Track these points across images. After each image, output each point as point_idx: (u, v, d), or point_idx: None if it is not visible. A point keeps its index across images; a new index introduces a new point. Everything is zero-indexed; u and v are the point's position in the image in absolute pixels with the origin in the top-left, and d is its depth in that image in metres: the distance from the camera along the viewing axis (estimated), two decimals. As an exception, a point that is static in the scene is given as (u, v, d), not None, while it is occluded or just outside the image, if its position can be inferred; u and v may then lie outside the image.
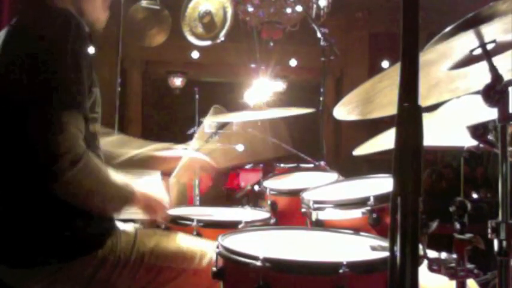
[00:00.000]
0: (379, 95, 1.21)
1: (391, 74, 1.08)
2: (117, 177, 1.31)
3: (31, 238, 1.23)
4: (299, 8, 5.16)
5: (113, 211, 1.33)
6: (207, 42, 3.29)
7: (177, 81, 9.06)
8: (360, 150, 1.68)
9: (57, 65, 1.18)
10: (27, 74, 1.17)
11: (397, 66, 0.72)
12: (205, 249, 1.42)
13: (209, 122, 2.07)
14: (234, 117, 2.37)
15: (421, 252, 0.98)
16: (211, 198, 4.62)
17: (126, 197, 1.32)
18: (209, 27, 3.22)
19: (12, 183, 1.26)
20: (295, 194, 1.84)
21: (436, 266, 1.04)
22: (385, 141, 1.55)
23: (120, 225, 1.40)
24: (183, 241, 1.45)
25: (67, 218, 1.25)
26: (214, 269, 1.17)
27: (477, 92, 1.04)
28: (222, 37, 3.06)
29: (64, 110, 1.15)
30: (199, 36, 3.29)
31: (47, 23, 1.21)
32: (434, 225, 0.98)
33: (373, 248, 1.13)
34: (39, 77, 1.16)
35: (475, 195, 5.04)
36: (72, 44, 1.19)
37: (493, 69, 1.00)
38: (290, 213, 1.91)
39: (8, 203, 1.26)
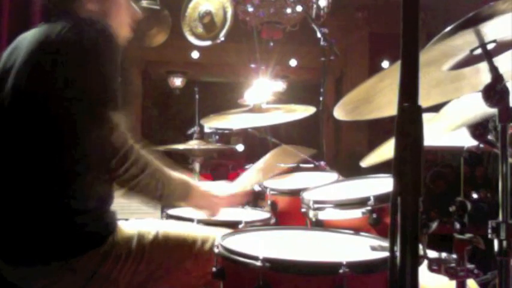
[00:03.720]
0: (379, 95, 1.21)
1: (391, 74, 1.08)
2: (173, 172, 1.37)
3: (32, 236, 1.23)
4: (299, 8, 5.15)
5: (167, 203, 1.45)
6: (207, 42, 3.28)
7: (177, 81, 9.05)
8: (368, 161, 1.68)
9: (105, 71, 1.24)
10: (74, 81, 1.22)
11: (397, 66, 0.72)
12: (207, 234, 1.42)
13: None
14: (233, 124, 2.37)
15: (421, 252, 0.98)
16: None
17: (183, 195, 1.41)
18: (209, 27, 3.21)
19: (14, 182, 1.26)
20: (295, 194, 1.84)
21: (436, 266, 1.04)
22: (391, 148, 1.54)
23: (120, 221, 1.40)
24: (183, 228, 1.46)
25: (68, 215, 1.25)
26: (214, 269, 1.17)
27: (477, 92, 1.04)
28: (222, 37, 3.05)
29: (114, 111, 1.23)
30: (199, 36, 3.28)
31: (89, 30, 1.25)
32: (434, 225, 0.98)
33: (373, 248, 1.13)
34: (89, 82, 1.23)
35: (475, 195, 5.03)
36: (113, 51, 1.26)
37: (494, 69, 1.00)
38: (290, 213, 1.91)
39: (10, 202, 1.27)
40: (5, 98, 1.28)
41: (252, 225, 1.63)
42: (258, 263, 1.05)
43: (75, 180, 1.27)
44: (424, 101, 0.70)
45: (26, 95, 1.26)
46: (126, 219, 1.48)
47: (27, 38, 1.34)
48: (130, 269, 1.31)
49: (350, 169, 2.38)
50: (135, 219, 1.50)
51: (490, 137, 1.12)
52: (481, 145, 1.16)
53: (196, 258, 1.38)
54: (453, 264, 1.05)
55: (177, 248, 1.38)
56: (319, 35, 2.72)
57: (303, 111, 2.22)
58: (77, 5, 1.36)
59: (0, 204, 1.27)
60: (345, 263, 1.02)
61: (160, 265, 1.35)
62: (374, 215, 1.42)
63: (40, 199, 1.24)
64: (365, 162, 1.70)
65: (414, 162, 0.69)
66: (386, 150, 1.60)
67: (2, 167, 1.29)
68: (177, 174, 1.39)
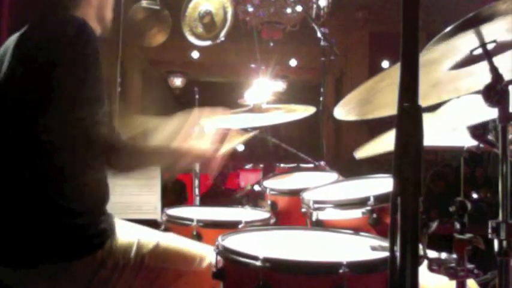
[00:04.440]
0: (379, 95, 1.21)
1: (391, 74, 1.08)
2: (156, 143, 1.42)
3: (30, 238, 1.23)
4: (299, 8, 5.15)
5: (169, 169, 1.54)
6: (207, 42, 3.28)
7: (177, 81, 9.06)
8: (362, 153, 1.68)
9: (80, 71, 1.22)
10: (47, 79, 1.21)
11: (397, 66, 0.72)
12: (205, 253, 1.42)
13: None
14: (233, 124, 2.37)
15: (421, 252, 0.98)
16: (211, 198, 4.63)
17: (172, 156, 1.42)
18: (209, 27, 3.21)
19: (13, 184, 1.26)
20: (295, 194, 1.84)
21: (436, 266, 1.04)
22: (387, 142, 1.54)
23: (120, 228, 1.40)
24: (183, 244, 1.45)
25: (66, 218, 1.25)
26: (214, 269, 1.17)
27: (477, 92, 1.04)
28: (222, 37, 3.05)
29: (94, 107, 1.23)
30: (199, 36, 3.28)
31: (65, 29, 1.25)
32: (434, 225, 0.98)
33: (373, 248, 1.13)
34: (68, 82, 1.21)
35: (475, 195, 5.03)
36: (91, 49, 1.24)
37: (494, 69, 1.00)
38: (290, 213, 1.91)
39: (8, 203, 1.26)
40: None
41: (252, 225, 1.63)
42: (258, 263, 1.05)
43: (70, 180, 1.27)
44: (423, 101, 0.70)
45: (12, 93, 1.27)
46: (126, 220, 1.48)
47: (13, 39, 1.34)
48: (128, 277, 1.31)
49: (350, 169, 2.38)
50: (135, 224, 1.49)
51: (490, 137, 1.12)
52: (481, 145, 1.16)
53: (194, 275, 1.38)
54: (453, 264, 1.05)
55: (175, 262, 1.38)
56: (319, 35, 2.72)
57: (303, 111, 2.22)
58: (77, 4, 1.37)
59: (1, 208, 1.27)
60: (345, 263, 1.02)
61: (158, 277, 1.35)
62: (374, 215, 1.42)
63: (34, 200, 1.24)
64: (359, 153, 1.70)
65: (414, 162, 0.69)
66: (380, 145, 1.59)
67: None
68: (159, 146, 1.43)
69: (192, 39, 3.34)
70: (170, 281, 1.37)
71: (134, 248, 1.34)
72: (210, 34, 3.27)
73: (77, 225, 1.26)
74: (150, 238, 1.40)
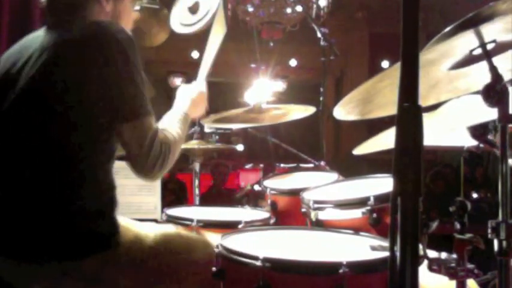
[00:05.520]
0: (379, 94, 1.21)
1: (391, 74, 1.08)
2: (174, 121, 1.46)
3: (39, 233, 1.23)
4: (299, 8, 5.16)
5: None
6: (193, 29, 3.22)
7: (177, 81, 9.04)
8: (360, 150, 1.68)
9: (134, 77, 1.30)
10: (104, 87, 1.25)
11: (397, 66, 0.72)
12: (206, 240, 1.42)
13: None
14: (233, 124, 2.38)
15: (421, 252, 0.98)
16: (211, 198, 4.63)
17: (186, 124, 1.50)
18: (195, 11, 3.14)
19: (28, 181, 1.27)
20: (295, 194, 1.84)
21: (436, 266, 1.04)
22: (385, 140, 1.55)
23: (121, 223, 1.40)
24: (182, 234, 1.46)
25: (76, 217, 1.26)
26: (214, 269, 1.17)
27: (477, 92, 1.04)
28: (203, 25, 3.00)
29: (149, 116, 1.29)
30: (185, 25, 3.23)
31: (114, 37, 1.29)
32: (434, 225, 0.98)
33: (373, 248, 1.13)
34: (121, 90, 1.27)
35: (475, 195, 5.03)
36: (137, 58, 1.33)
37: (493, 69, 1.00)
38: (290, 213, 1.91)
39: (23, 199, 1.27)
40: (17, 99, 1.28)
41: (252, 225, 1.63)
42: (258, 263, 1.05)
43: (84, 180, 1.27)
44: (423, 101, 0.70)
45: (41, 96, 1.27)
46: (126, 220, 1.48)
47: (38, 41, 1.33)
48: (130, 273, 1.31)
49: (350, 169, 2.39)
50: (135, 220, 1.50)
51: (490, 137, 1.12)
52: (481, 145, 1.16)
53: (196, 264, 1.38)
54: (453, 264, 1.05)
55: (176, 253, 1.38)
56: (319, 35, 2.72)
57: (303, 111, 2.22)
58: (90, 8, 1.38)
59: (12, 201, 1.28)
60: (345, 263, 1.02)
61: (159, 270, 1.35)
62: (374, 215, 1.42)
63: (51, 199, 1.25)
64: (357, 151, 1.70)
65: (414, 162, 0.69)
66: (379, 141, 1.60)
67: (15, 165, 1.29)
68: (174, 121, 1.46)
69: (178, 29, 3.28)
70: (173, 271, 1.37)
71: (135, 243, 1.34)
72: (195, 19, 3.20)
73: (88, 225, 1.27)
74: (150, 232, 1.40)
